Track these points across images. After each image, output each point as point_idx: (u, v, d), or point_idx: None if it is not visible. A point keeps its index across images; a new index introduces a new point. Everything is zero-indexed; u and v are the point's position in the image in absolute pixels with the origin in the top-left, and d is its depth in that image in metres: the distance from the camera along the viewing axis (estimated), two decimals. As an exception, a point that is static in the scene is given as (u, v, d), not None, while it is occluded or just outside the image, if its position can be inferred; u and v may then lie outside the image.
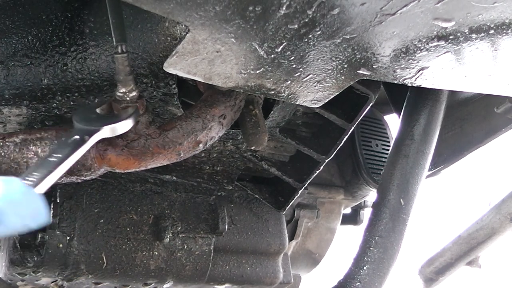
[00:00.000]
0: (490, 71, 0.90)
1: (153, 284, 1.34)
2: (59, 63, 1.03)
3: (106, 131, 0.86)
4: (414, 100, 1.41)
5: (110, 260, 1.25)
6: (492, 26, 0.76)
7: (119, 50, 0.85)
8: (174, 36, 1.02)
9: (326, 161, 1.32)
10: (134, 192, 1.33)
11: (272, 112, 1.26)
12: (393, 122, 1.94)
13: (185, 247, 1.35)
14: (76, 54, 1.03)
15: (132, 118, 0.89)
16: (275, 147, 1.42)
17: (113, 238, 1.26)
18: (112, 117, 0.89)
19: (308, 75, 0.84)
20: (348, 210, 2.07)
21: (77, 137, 0.82)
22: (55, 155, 0.79)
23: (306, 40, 0.74)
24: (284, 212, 1.54)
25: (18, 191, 0.62)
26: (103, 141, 0.89)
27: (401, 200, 1.29)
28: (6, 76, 1.00)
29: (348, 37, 0.75)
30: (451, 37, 0.78)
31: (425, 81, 0.90)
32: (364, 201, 2.02)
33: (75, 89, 1.06)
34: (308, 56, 0.79)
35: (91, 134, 0.84)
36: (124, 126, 0.88)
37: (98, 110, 0.90)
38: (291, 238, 1.82)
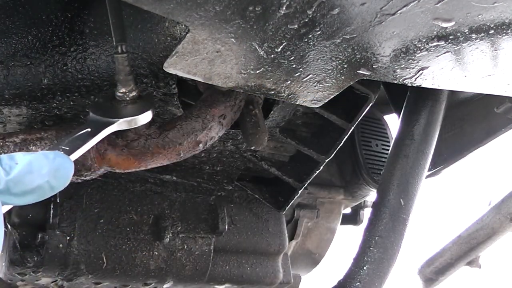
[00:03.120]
0: (490, 71, 0.90)
1: (153, 284, 1.34)
2: (59, 63, 1.02)
3: (123, 124, 0.88)
4: (414, 100, 1.41)
5: (110, 260, 1.25)
6: (492, 26, 0.76)
7: (119, 50, 0.85)
8: (174, 36, 1.02)
9: (326, 161, 1.32)
10: (134, 192, 1.33)
11: (272, 112, 1.26)
12: (393, 122, 1.94)
13: (185, 247, 1.35)
14: (76, 54, 1.02)
15: (151, 111, 0.90)
16: (275, 147, 1.42)
17: (113, 238, 1.26)
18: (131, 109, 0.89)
19: (308, 75, 0.84)
20: (348, 210, 2.07)
21: (88, 129, 0.83)
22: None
23: (306, 40, 0.74)
24: (284, 212, 1.53)
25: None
26: (102, 141, 0.89)
27: (401, 200, 1.28)
28: (6, 76, 1.00)
29: (348, 37, 0.75)
30: (451, 37, 0.78)
31: (425, 81, 0.90)
32: (364, 201, 2.02)
33: (75, 89, 1.06)
34: (308, 56, 0.79)
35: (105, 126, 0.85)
36: (145, 118, 0.89)
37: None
38: (291, 238, 1.82)
